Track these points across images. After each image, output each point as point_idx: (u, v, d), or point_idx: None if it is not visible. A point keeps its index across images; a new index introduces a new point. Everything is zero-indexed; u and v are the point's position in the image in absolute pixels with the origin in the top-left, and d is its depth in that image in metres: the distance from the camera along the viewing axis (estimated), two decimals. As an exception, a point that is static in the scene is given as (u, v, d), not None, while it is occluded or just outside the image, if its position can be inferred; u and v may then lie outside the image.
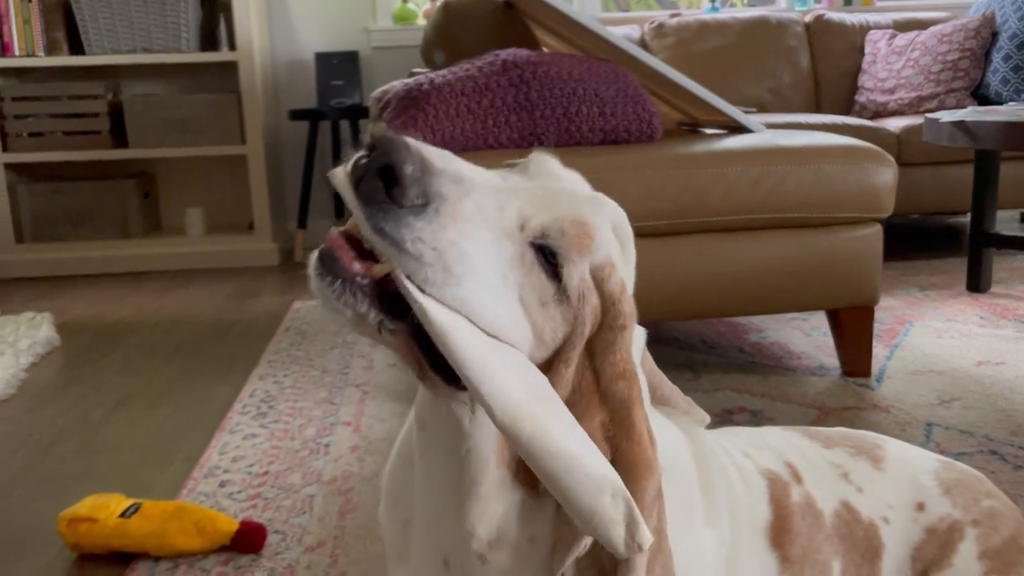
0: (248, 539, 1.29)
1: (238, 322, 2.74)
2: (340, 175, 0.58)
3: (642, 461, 0.60)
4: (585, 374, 0.63)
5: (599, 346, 0.63)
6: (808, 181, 1.77)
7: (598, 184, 2.10)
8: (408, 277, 0.55)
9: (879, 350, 2.08)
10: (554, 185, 0.65)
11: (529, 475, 0.61)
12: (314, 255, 0.59)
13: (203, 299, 3.08)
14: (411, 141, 0.56)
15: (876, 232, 1.84)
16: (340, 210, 3.99)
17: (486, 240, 0.58)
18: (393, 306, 0.58)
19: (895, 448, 0.94)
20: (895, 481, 0.90)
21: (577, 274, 0.62)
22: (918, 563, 0.87)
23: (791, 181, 1.77)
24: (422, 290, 0.56)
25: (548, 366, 0.62)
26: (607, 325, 0.64)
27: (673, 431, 0.76)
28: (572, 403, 0.62)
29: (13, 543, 1.37)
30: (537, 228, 0.60)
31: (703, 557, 0.71)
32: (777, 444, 0.89)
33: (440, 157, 0.57)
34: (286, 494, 1.48)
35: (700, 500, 0.72)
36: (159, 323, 2.76)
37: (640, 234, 1.86)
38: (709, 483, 0.75)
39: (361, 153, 0.56)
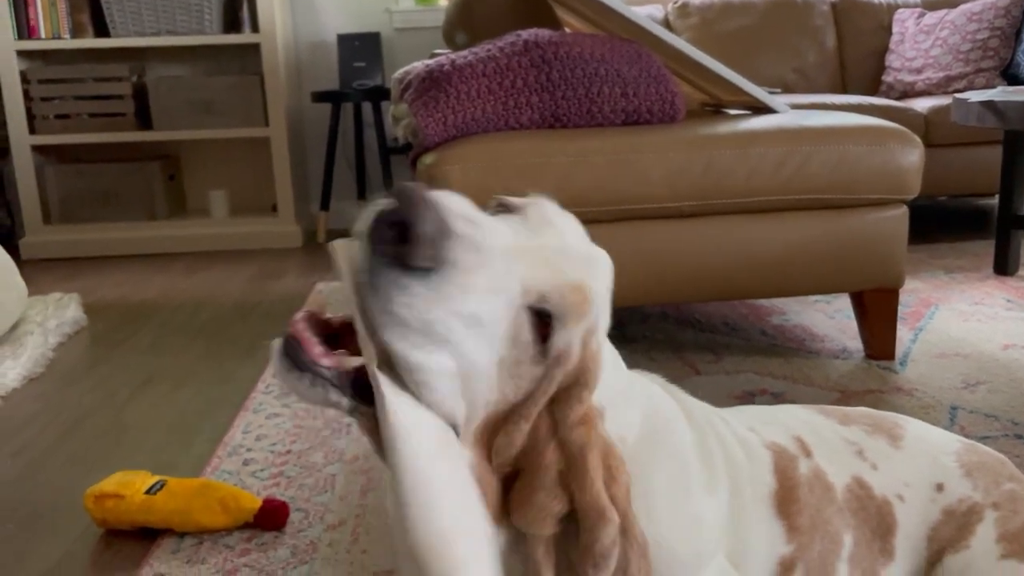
0: (271, 516, 1.30)
1: (261, 303, 2.76)
2: (339, 247, 0.56)
3: (594, 510, 0.59)
4: (543, 420, 0.62)
5: (564, 398, 0.62)
6: (833, 162, 1.75)
7: (619, 167, 2.09)
8: (386, 341, 0.54)
9: (903, 333, 2.06)
10: (556, 243, 0.63)
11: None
12: (277, 344, 0.56)
13: (227, 280, 3.10)
14: (437, 198, 0.53)
15: (902, 214, 1.82)
16: (363, 192, 4.00)
17: (485, 312, 0.56)
18: (364, 392, 0.56)
19: (916, 428, 0.94)
20: (913, 460, 0.90)
21: (566, 338, 0.61)
22: (934, 543, 0.87)
23: (815, 162, 1.75)
24: (396, 382, 0.55)
25: (505, 419, 0.61)
26: (578, 381, 0.63)
27: (666, 400, 0.76)
28: (526, 454, 0.61)
29: (42, 519, 1.40)
30: (538, 293, 0.60)
31: (704, 525, 0.71)
32: (787, 420, 0.90)
33: (464, 219, 0.55)
34: (308, 473, 1.50)
35: (698, 468, 0.73)
36: (184, 304, 2.79)
37: (662, 216, 1.85)
38: (708, 451, 0.75)
39: (384, 203, 0.54)
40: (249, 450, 1.61)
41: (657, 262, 1.78)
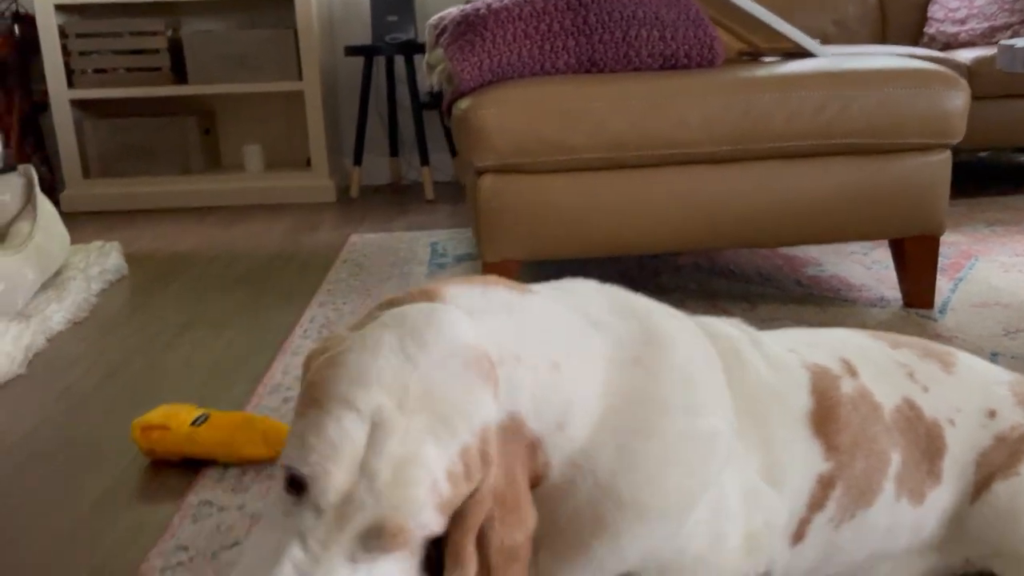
0: (312, 449, 1.33)
1: (297, 254, 2.79)
2: None
3: (452, 555, 0.57)
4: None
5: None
6: (875, 105, 1.72)
7: (656, 111, 2.06)
8: None
9: (942, 283, 2.03)
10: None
11: None
12: None
13: (262, 233, 3.13)
14: None
15: (944, 159, 1.78)
16: (395, 148, 4.01)
17: None
18: None
19: (968, 358, 0.94)
20: (965, 386, 0.90)
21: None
22: (983, 468, 0.87)
23: (857, 106, 1.72)
24: None
25: None
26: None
27: (669, 323, 0.74)
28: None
29: (91, 450, 1.44)
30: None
31: (710, 441, 0.70)
32: (833, 342, 0.90)
33: None
34: (347, 410, 1.52)
35: (705, 386, 0.71)
36: (221, 255, 2.83)
37: (700, 161, 1.84)
38: (713, 369, 0.73)
39: None
40: (289, 389, 1.64)
41: (694, 208, 1.77)
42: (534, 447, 0.62)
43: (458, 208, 3.45)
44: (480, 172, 1.78)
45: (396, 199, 3.75)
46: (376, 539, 0.54)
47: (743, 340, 0.83)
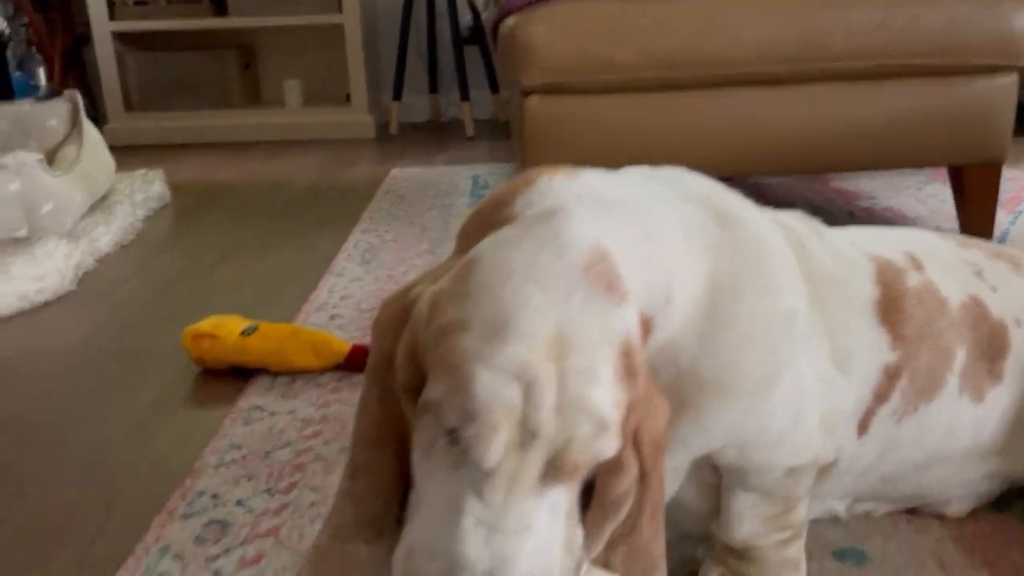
0: (361, 359, 1.33)
1: (336, 186, 2.79)
2: None
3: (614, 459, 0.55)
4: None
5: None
6: (940, 24, 1.65)
7: (708, 28, 2.00)
8: None
9: (1001, 216, 1.97)
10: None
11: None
12: None
13: (302, 166, 3.13)
14: None
15: (1011, 82, 1.71)
16: (435, 84, 3.96)
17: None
18: None
19: None
20: None
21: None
22: None
23: (921, 24, 1.65)
24: None
25: None
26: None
27: (743, 202, 0.72)
28: None
29: (143, 360, 1.45)
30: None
31: (788, 321, 0.68)
32: (899, 239, 0.89)
33: None
34: (393, 327, 1.52)
35: (781, 268, 0.69)
36: (262, 186, 2.83)
37: (754, 82, 1.79)
38: (785, 253, 0.71)
39: None
40: (335, 307, 1.64)
41: (747, 132, 1.73)
42: (647, 329, 0.60)
43: (498, 145, 3.42)
44: (526, 93, 1.75)
45: (435, 136, 3.72)
46: (553, 477, 0.51)
47: (806, 230, 0.81)
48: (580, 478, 0.53)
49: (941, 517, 0.90)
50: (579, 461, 0.51)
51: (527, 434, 0.50)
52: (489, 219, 0.63)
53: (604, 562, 0.60)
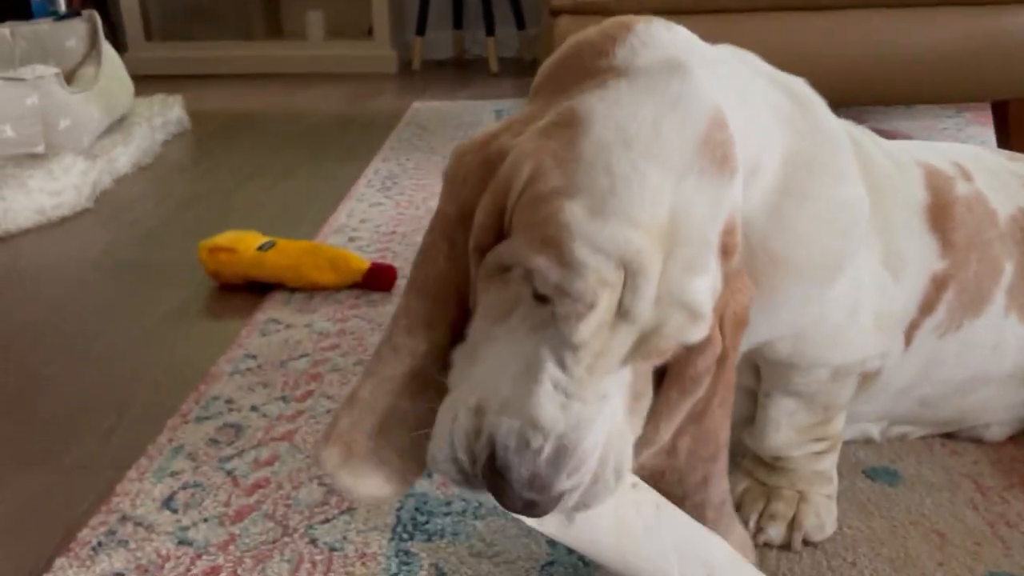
0: (379, 277, 1.31)
1: (359, 117, 2.74)
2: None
3: None
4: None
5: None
6: (992, -52, 1.57)
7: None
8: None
9: (1043, 157, 1.91)
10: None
11: None
12: None
13: (324, 98, 3.08)
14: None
15: (1063, 13, 1.63)
16: (459, 20, 3.88)
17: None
18: None
19: None
20: None
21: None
22: None
23: (972, -52, 1.57)
24: None
25: None
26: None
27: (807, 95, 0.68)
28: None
29: (159, 273, 1.43)
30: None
31: (856, 208, 0.65)
32: (947, 150, 0.85)
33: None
34: (413, 249, 1.48)
35: (851, 157, 0.66)
36: (283, 115, 2.79)
37: (794, 7, 1.71)
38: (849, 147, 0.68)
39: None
40: (354, 230, 1.61)
41: (786, 60, 1.66)
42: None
43: (524, 82, 3.34)
44: (555, 13, 1.68)
45: (459, 73, 3.65)
46: (638, 358, 0.50)
47: (858, 132, 0.77)
48: (663, 359, 0.51)
49: (978, 441, 0.87)
50: (667, 347, 0.49)
51: (622, 317, 0.47)
52: (588, 68, 0.55)
53: (670, 448, 0.57)
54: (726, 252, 0.51)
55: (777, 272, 0.61)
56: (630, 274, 0.47)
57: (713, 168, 0.49)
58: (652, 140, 0.48)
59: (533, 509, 0.48)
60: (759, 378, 0.72)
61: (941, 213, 0.76)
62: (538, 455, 0.47)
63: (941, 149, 0.84)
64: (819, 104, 0.66)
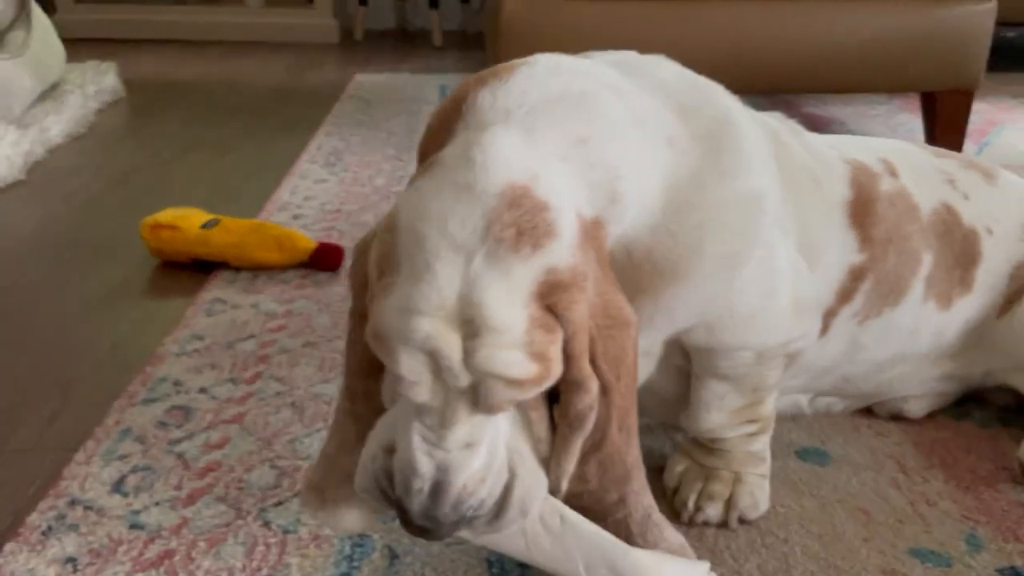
0: (326, 257, 1.31)
1: (300, 89, 2.70)
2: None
3: (572, 378, 0.57)
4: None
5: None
6: (925, -56, 1.63)
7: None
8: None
9: (968, 147, 1.99)
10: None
11: None
12: None
13: (263, 68, 3.02)
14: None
15: (990, 8, 1.71)
16: (402, -10, 3.83)
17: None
18: None
19: (1011, 175, 0.93)
20: (1006, 199, 0.89)
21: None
22: (1016, 281, 0.87)
23: (907, -57, 1.63)
24: None
25: None
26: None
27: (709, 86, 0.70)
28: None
29: (99, 250, 1.41)
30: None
31: (760, 203, 0.67)
32: (876, 146, 0.89)
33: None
34: (360, 229, 1.49)
35: (752, 152, 0.67)
36: (220, 85, 2.73)
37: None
38: (759, 138, 0.70)
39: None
40: (299, 207, 1.60)
41: (726, 45, 1.69)
42: (597, 231, 0.59)
43: (468, 55, 3.33)
44: (504, -7, 1.69)
45: (402, 44, 3.61)
46: (483, 411, 0.55)
47: (783, 128, 0.80)
48: (510, 409, 0.56)
49: (900, 419, 0.92)
50: (498, 404, 0.54)
51: (445, 385, 0.54)
52: (440, 139, 0.61)
53: (579, 475, 0.60)
54: (557, 309, 0.54)
55: (665, 281, 0.64)
56: (433, 357, 0.53)
57: (504, 247, 0.52)
58: (441, 236, 0.53)
59: (427, 534, 0.57)
60: (690, 359, 0.75)
61: (863, 209, 0.80)
62: (420, 494, 0.55)
63: (871, 145, 0.88)
64: (708, 107, 0.67)
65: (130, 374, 1.01)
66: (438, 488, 0.55)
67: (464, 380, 0.53)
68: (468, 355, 0.52)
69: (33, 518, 0.76)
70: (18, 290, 1.27)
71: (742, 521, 0.77)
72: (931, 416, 0.93)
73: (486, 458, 0.56)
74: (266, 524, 0.76)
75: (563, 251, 0.54)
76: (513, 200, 0.53)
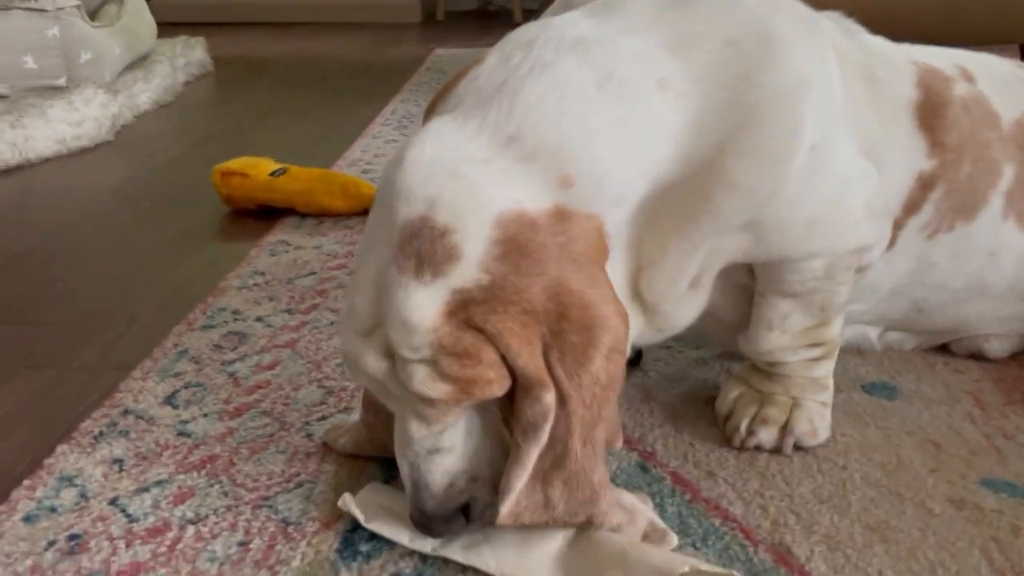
0: (389, 203, 1.31)
1: (379, 62, 2.73)
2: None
3: (527, 381, 0.55)
4: None
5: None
6: None
7: None
8: None
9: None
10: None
11: None
12: None
13: (346, 45, 3.07)
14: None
15: (1101, -50, 1.58)
16: (484, -30, 3.84)
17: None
18: None
19: None
20: None
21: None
22: None
23: None
24: None
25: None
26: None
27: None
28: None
29: (175, 202, 1.45)
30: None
31: (804, 93, 0.62)
32: (953, 54, 0.82)
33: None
34: (426, 182, 1.49)
35: (788, 43, 0.62)
36: (304, 61, 2.79)
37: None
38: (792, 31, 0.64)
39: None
40: (368, 163, 1.61)
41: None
42: (561, 219, 0.56)
43: (547, 31, 3.31)
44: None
45: (483, 23, 3.62)
46: (424, 421, 0.57)
47: (836, 28, 0.74)
48: (460, 408, 0.56)
49: (980, 358, 0.86)
50: (431, 417, 0.56)
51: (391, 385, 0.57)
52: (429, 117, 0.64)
53: (545, 502, 0.56)
54: (471, 324, 0.53)
55: (723, 183, 0.61)
56: (357, 370, 0.58)
57: (407, 276, 0.53)
58: (365, 260, 0.57)
59: (425, 529, 0.60)
60: (754, 277, 0.71)
61: (932, 112, 0.74)
62: (414, 491, 0.59)
63: (948, 53, 0.82)
64: (736, 17, 0.63)
65: (192, 305, 1.03)
66: (417, 483, 0.58)
67: (396, 390, 0.56)
68: (391, 373, 0.56)
69: (86, 424, 0.78)
70: (98, 232, 1.32)
71: (798, 448, 0.73)
72: (1014, 356, 0.87)
73: (461, 461, 0.58)
74: (308, 436, 0.76)
75: (469, 270, 0.53)
76: (413, 232, 0.54)
